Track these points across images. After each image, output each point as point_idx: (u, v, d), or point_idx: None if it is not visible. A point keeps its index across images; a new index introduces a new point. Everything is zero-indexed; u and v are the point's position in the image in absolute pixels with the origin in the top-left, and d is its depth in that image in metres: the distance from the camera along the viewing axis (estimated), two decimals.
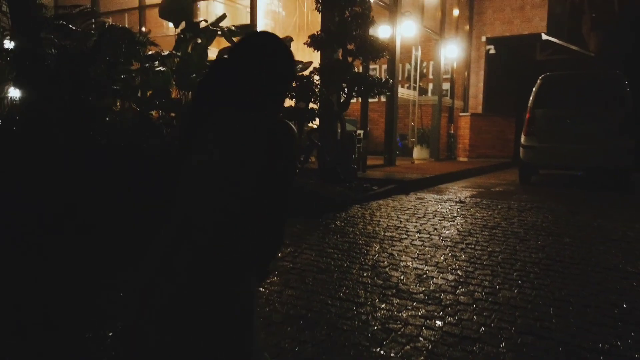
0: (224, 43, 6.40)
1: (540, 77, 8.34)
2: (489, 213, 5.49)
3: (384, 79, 6.70)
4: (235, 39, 6.05)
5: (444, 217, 5.22)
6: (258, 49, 1.40)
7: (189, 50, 5.87)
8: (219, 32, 6.03)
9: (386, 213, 5.46)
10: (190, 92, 5.53)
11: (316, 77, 6.57)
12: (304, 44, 6.92)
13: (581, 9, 17.43)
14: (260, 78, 1.39)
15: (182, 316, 1.22)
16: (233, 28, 6.23)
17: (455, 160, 12.99)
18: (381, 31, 9.21)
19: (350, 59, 6.77)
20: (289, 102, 7.00)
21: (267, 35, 1.46)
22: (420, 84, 13.17)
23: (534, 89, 8.27)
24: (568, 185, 8.74)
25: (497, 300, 2.95)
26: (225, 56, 1.48)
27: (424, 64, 13.17)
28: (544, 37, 13.35)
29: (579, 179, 9.42)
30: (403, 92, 12.16)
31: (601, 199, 6.96)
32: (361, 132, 8.04)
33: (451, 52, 12.49)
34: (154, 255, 1.30)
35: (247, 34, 1.79)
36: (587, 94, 7.96)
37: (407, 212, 5.51)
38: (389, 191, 6.87)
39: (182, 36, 5.90)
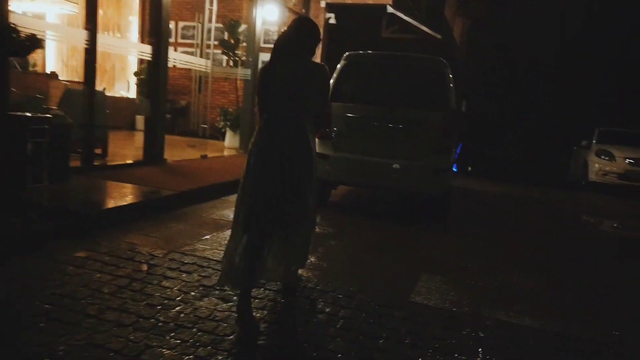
0: None
1: (344, 56, 5.87)
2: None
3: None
4: None
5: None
6: (300, 25, 2.88)
7: None
8: None
9: None
10: None
11: None
12: None
13: None
14: (303, 40, 2.84)
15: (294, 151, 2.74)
16: None
17: None
18: None
19: None
20: None
21: (305, 18, 3.07)
22: (237, 52, 10.28)
23: (335, 72, 5.76)
24: (375, 212, 6.52)
25: None
26: (283, 30, 2.90)
27: (241, 27, 10.22)
28: (389, 9, 11.17)
29: (396, 200, 7.26)
30: (181, 58, 9.19)
31: (402, 236, 4.71)
32: (60, 113, 4.85)
33: (272, 14, 9.69)
34: (264, 133, 2.78)
35: (298, 17, 2.99)
36: (403, 85, 5.66)
37: None
38: (56, 232, 3.87)
39: None
